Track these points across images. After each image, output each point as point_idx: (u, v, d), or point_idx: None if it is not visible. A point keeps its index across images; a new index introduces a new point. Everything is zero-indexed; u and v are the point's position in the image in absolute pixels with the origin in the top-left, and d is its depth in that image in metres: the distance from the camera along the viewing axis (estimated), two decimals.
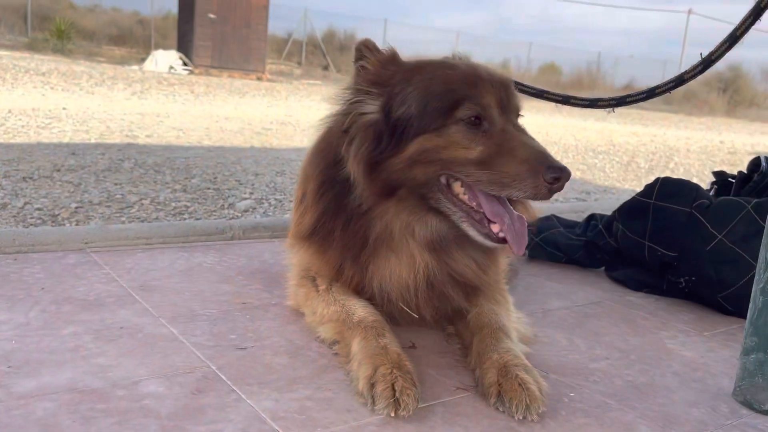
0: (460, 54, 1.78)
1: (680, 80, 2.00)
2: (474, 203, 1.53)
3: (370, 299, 1.69)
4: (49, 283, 1.97)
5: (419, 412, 1.39)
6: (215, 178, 5.21)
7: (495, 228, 1.52)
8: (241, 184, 5.06)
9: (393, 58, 1.60)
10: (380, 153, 1.50)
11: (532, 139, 1.52)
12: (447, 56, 1.74)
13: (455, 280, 1.67)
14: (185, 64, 23.19)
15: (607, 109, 2.22)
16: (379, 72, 1.56)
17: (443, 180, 1.53)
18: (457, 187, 1.53)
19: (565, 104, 2.29)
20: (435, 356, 1.71)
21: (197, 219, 3.86)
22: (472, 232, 1.54)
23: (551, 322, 2.06)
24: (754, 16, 1.75)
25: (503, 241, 1.52)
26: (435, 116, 1.47)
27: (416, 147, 1.48)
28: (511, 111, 1.55)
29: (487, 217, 1.52)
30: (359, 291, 1.70)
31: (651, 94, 2.05)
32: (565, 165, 1.44)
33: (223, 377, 1.47)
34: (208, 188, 4.78)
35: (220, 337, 1.69)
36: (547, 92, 2.30)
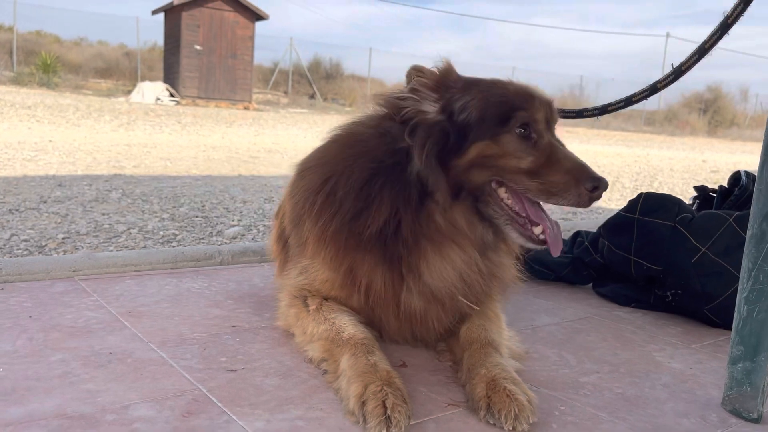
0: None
1: (653, 89, 2.16)
2: (517, 207, 1.61)
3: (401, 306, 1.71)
4: (37, 311, 1.96)
5: (411, 429, 1.39)
6: (203, 206, 5.20)
7: (537, 230, 1.61)
8: (229, 211, 5.06)
9: (450, 69, 1.66)
10: (447, 152, 1.56)
11: (572, 153, 1.62)
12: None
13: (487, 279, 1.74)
14: (172, 95, 23.32)
15: (594, 117, 2.39)
16: (438, 80, 1.62)
17: (494, 185, 1.60)
18: (502, 192, 1.61)
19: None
20: (426, 374, 1.71)
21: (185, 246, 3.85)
22: (515, 235, 1.63)
23: (541, 338, 2.07)
24: (721, 30, 1.85)
25: (543, 243, 1.61)
26: (492, 125, 1.55)
27: (476, 152, 1.55)
28: (553, 126, 1.67)
29: (530, 221, 1.61)
30: (387, 299, 1.70)
31: (628, 102, 2.22)
32: (603, 176, 1.56)
33: (213, 399, 1.46)
34: (197, 216, 4.77)
35: (210, 360, 1.69)
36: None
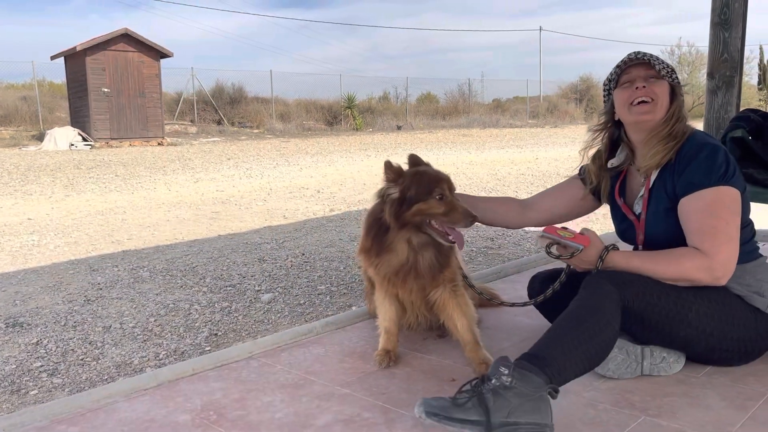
0: (428, 163, 2.98)
1: None
2: (440, 228, 2.79)
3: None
4: None
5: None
6: (221, 275, 6.02)
7: (449, 237, 2.80)
8: (244, 277, 5.93)
9: (400, 169, 2.84)
10: (399, 210, 2.75)
11: (460, 203, 2.77)
12: (425, 166, 2.94)
13: (427, 267, 2.89)
14: (84, 139, 23.65)
15: None
16: (396, 174, 2.81)
17: (427, 220, 2.78)
18: (433, 224, 2.78)
19: None
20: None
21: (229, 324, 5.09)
22: (441, 239, 2.81)
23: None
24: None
25: (452, 242, 2.79)
26: (423, 194, 2.74)
27: (416, 208, 2.74)
28: (452, 191, 2.84)
29: (446, 233, 2.79)
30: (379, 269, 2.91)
31: None
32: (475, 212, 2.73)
33: None
34: (226, 286, 5.63)
35: None
36: None
